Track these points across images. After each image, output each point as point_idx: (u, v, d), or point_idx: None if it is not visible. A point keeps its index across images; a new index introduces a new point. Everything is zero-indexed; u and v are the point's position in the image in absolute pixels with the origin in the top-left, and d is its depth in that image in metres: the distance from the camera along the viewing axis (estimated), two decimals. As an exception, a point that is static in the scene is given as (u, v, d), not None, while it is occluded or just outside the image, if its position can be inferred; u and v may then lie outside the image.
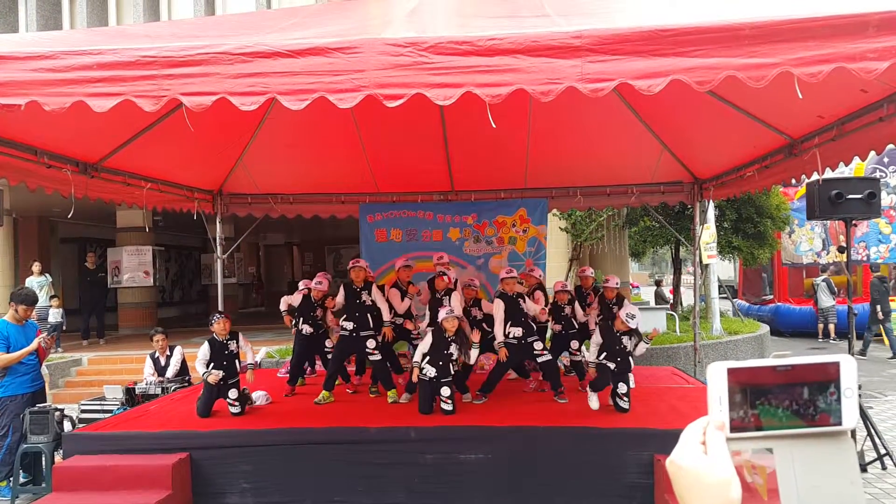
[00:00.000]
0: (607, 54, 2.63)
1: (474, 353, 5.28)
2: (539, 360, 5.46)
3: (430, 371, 5.03)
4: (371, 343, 5.65)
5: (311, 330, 6.22)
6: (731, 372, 0.66)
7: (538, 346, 5.47)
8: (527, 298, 5.72)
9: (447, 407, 4.95)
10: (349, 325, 5.69)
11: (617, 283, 6.33)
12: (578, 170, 6.95)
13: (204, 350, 5.08)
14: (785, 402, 0.65)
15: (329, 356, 6.15)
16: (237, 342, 5.26)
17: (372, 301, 5.78)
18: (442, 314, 5.14)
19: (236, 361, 5.20)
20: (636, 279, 26.91)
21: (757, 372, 0.66)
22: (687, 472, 0.63)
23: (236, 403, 5.08)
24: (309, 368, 6.88)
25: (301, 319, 6.21)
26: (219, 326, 5.16)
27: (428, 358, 5.08)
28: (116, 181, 5.55)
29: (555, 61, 2.64)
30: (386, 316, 5.82)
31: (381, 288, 6.17)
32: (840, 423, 0.65)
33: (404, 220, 7.56)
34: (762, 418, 0.65)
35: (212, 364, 5.03)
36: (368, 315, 5.75)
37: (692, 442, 0.65)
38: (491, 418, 4.88)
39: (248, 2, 12.21)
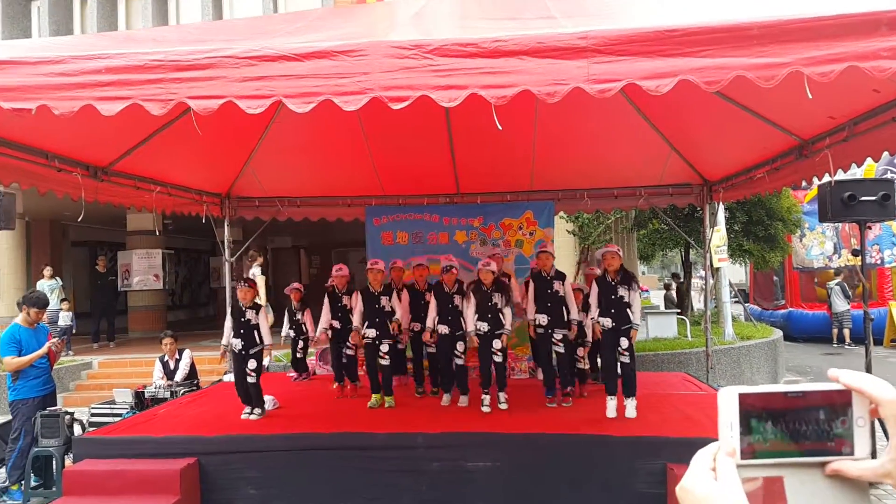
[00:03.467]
0: (614, 55, 2.60)
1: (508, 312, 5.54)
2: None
3: (484, 326, 5.40)
4: (384, 347, 5.67)
5: (339, 325, 6.20)
6: (742, 397, 0.65)
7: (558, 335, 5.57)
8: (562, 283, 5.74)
9: (497, 359, 5.36)
10: (371, 333, 5.71)
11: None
12: (585, 172, 6.91)
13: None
14: (796, 428, 0.64)
15: (343, 359, 6.26)
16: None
17: (392, 307, 5.79)
18: (479, 266, 5.54)
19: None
20: (646, 283, 26.73)
21: (768, 398, 0.65)
22: (697, 499, 0.63)
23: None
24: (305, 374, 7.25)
25: (328, 318, 6.23)
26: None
27: (477, 315, 5.43)
28: (126, 185, 5.59)
29: (560, 62, 2.62)
30: (399, 314, 5.86)
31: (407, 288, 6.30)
32: (852, 453, 0.63)
33: (410, 222, 7.55)
34: (773, 445, 0.64)
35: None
36: (388, 322, 5.75)
37: (702, 468, 0.65)
38: (499, 425, 4.85)
39: (255, 7, 12.28)
